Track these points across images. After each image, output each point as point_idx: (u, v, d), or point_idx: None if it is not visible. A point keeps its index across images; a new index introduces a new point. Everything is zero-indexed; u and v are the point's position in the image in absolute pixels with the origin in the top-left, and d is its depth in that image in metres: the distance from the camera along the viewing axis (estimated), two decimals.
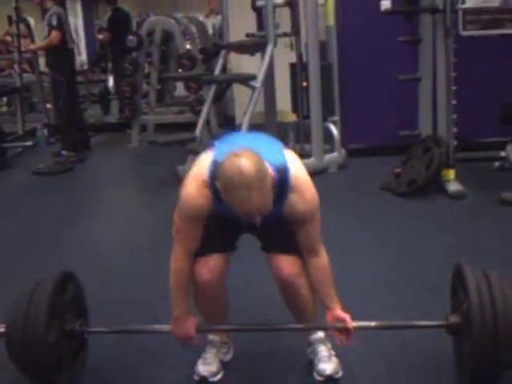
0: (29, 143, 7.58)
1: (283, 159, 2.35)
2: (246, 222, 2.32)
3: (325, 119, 6.02)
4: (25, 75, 8.08)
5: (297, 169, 2.38)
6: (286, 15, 6.02)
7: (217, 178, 2.20)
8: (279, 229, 2.44)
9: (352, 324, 2.47)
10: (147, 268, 3.92)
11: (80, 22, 17.99)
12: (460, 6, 5.42)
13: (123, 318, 3.20)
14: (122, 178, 6.79)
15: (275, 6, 5.81)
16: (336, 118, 6.16)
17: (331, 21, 6.05)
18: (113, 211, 5.59)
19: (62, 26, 7.04)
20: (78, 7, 18.01)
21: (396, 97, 6.13)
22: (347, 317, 2.48)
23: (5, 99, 10.60)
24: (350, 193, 5.46)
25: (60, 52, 7.06)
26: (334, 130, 6.06)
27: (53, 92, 7.17)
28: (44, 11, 7.06)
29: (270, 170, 2.20)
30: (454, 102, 5.12)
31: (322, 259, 2.50)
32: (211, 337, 2.75)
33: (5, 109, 10.75)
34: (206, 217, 2.39)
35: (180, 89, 9.52)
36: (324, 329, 2.64)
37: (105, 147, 8.29)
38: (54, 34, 6.91)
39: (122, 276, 3.87)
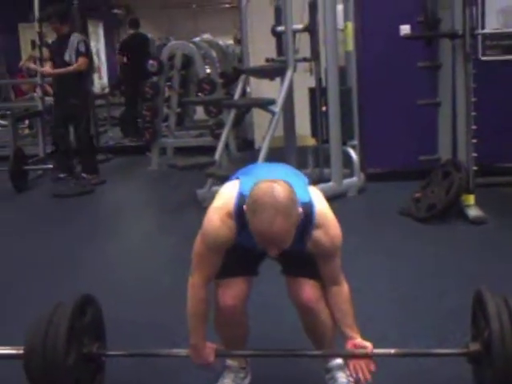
0: (49, 166, 7.63)
1: (308, 196, 2.36)
2: (264, 251, 2.32)
3: (344, 143, 6.03)
4: (46, 98, 8.15)
5: (321, 205, 2.39)
6: (305, 40, 6.06)
7: (246, 201, 2.21)
8: (301, 255, 2.44)
9: (372, 350, 2.45)
10: (165, 292, 3.92)
11: (102, 46, 18.22)
12: (479, 31, 5.43)
13: (140, 342, 3.21)
14: (141, 201, 6.82)
15: (295, 32, 5.84)
16: (355, 143, 6.17)
17: (350, 46, 6.08)
18: (132, 234, 5.60)
19: (89, 52, 7.21)
20: (100, 31, 18.25)
21: (415, 121, 6.12)
22: (368, 344, 2.46)
23: (26, 122, 10.70)
24: (368, 217, 5.45)
25: (82, 79, 7.17)
26: (353, 155, 6.07)
27: (73, 116, 7.18)
28: (63, 37, 7.04)
29: (300, 208, 2.22)
30: (473, 126, 5.11)
31: (343, 288, 2.49)
32: (229, 362, 2.74)
33: (26, 131, 10.86)
34: (228, 246, 2.40)
35: (200, 112, 9.59)
36: (343, 356, 2.61)
37: (124, 170, 8.35)
38: (83, 61, 7.01)
39: (140, 299, 3.88)
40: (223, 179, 2.65)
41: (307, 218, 2.30)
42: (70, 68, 6.93)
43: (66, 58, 6.96)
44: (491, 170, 5.73)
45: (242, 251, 2.45)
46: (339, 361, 2.66)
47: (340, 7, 6.07)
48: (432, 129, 5.74)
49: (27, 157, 7.49)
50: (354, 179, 6.07)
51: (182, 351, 2.61)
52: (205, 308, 2.47)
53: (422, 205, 5.23)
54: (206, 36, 10.54)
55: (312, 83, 6.16)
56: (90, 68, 7.35)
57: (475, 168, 5.13)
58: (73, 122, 7.21)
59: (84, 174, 7.19)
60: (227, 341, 2.63)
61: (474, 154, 5.13)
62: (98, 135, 9.42)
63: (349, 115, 6.04)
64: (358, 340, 2.46)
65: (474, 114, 5.11)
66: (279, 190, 2.15)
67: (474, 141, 5.12)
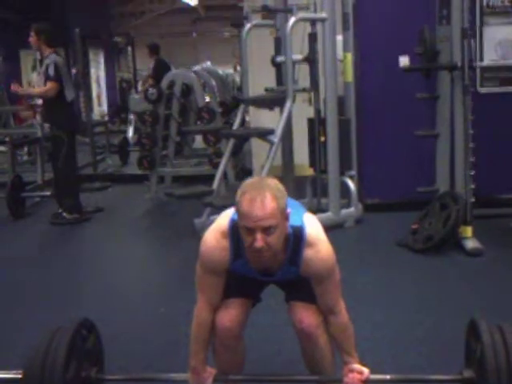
0: (47, 193, 7.61)
1: (301, 220, 2.41)
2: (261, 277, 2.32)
3: (342, 174, 6.04)
4: (46, 125, 8.17)
5: (313, 228, 2.42)
6: (305, 71, 6.09)
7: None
8: (300, 282, 2.48)
9: (368, 376, 2.45)
10: (161, 320, 3.90)
11: (102, 73, 18.34)
12: (478, 63, 5.47)
13: (136, 368, 3.19)
14: (138, 230, 6.79)
15: (294, 62, 5.87)
16: (353, 173, 6.17)
17: (349, 77, 6.10)
18: (128, 263, 5.56)
19: (60, 77, 6.38)
20: (101, 59, 18.37)
21: (413, 152, 6.15)
22: (365, 370, 2.46)
23: (25, 149, 10.71)
24: (365, 248, 5.43)
25: (57, 105, 6.47)
26: (351, 185, 6.07)
27: (52, 149, 6.65)
28: (45, 58, 6.50)
29: (288, 210, 2.28)
30: (471, 158, 5.13)
31: (342, 319, 2.50)
32: None
33: (25, 158, 10.87)
34: (224, 269, 2.44)
35: (198, 141, 9.60)
36: (339, 382, 2.59)
37: (122, 198, 8.34)
38: (50, 86, 6.32)
39: (136, 327, 3.86)
40: (220, 208, 2.67)
41: (297, 239, 2.36)
42: (37, 90, 6.50)
43: (42, 80, 6.46)
44: (489, 202, 5.74)
45: (241, 277, 2.48)
46: None
47: (339, 38, 6.11)
48: (430, 160, 5.76)
49: (25, 184, 7.48)
50: (352, 210, 6.07)
51: (181, 375, 2.60)
52: (205, 331, 2.50)
53: (419, 236, 5.22)
54: (208, 64, 10.59)
55: (311, 113, 6.19)
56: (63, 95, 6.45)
57: (473, 200, 5.14)
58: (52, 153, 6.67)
59: (64, 214, 6.71)
60: (224, 368, 2.62)
61: (472, 186, 5.14)
62: (96, 163, 9.46)
63: (347, 146, 6.05)
64: (355, 365, 2.47)
65: (471, 145, 5.13)
66: (268, 180, 2.34)
67: (472, 172, 5.13)
